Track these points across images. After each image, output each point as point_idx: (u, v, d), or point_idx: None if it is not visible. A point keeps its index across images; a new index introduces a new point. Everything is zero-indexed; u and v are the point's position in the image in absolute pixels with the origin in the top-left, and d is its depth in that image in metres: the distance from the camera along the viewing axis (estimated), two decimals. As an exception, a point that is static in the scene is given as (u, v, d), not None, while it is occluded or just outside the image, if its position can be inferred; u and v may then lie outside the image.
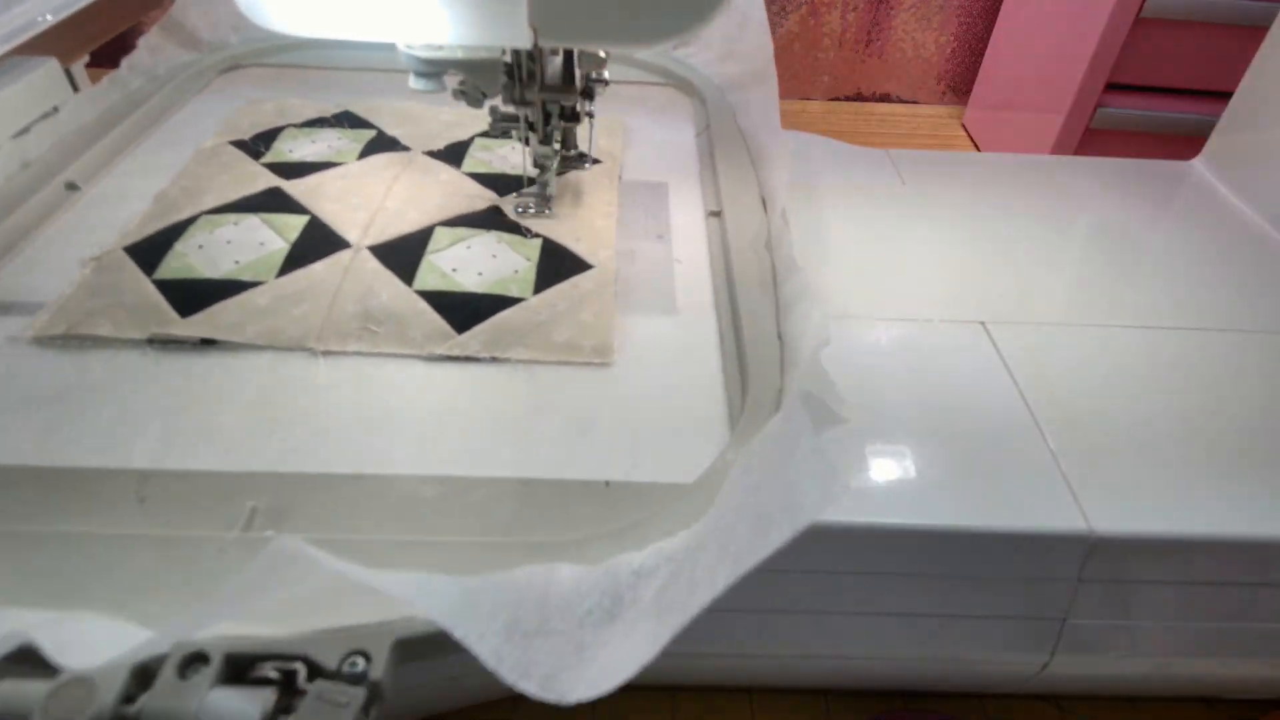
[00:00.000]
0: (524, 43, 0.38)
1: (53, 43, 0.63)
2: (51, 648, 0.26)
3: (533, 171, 0.56)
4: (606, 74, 0.50)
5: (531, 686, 0.26)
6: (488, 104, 0.51)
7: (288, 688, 0.27)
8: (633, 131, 0.69)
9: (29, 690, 0.25)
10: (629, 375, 0.44)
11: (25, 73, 0.60)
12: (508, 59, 0.47)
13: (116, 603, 0.31)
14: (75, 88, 0.65)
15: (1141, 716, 0.48)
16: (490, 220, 0.54)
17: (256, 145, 0.61)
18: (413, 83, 0.45)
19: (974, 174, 0.68)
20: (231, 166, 0.58)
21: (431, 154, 0.62)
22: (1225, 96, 0.68)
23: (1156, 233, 0.61)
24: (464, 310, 0.46)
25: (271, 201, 0.54)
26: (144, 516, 0.35)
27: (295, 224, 0.52)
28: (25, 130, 0.58)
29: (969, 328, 0.50)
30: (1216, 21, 0.92)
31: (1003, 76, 1.20)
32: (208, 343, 0.43)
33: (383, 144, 0.63)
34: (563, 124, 0.52)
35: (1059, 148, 1.03)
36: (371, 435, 0.39)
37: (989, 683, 0.47)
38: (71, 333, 0.43)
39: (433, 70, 0.45)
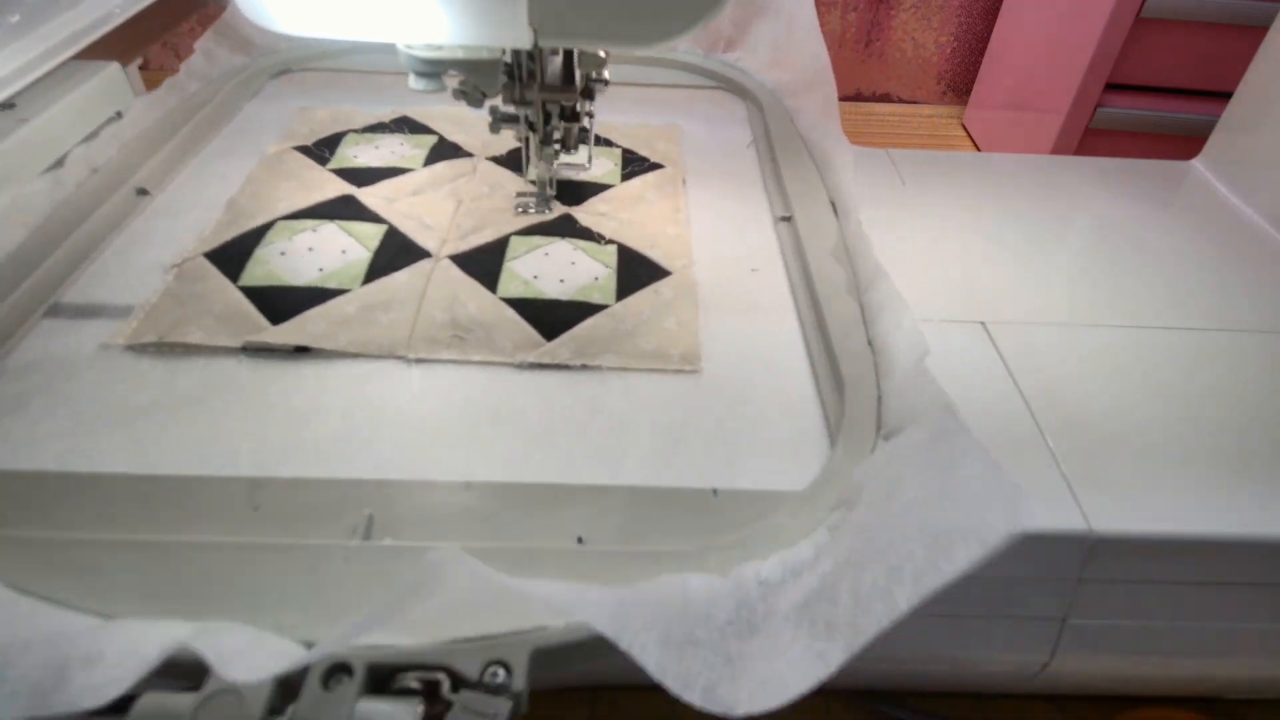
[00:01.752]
0: (524, 43, 0.37)
1: (107, 46, 0.63)
2: (213, 656, 0.25)
3: (532, 174, 0.56)
4: (607, 74, 0.50)
5: (695, 698, 0.26)
6: (488, 104, 0.51)
7: (431, 698, 0.27)
8: (687, 135, 0.69)
9: (178, 702, 0.25)
10: (718, 382, 0.44)
11: (89, 77, 0.61)
12: (508, 59, 0.47)
13: (249, 611, 0.30)
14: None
15: (1141, 716, 0.48)
16: (563, 228, 0.55)
17: (321, 151, 0.62)
18: (412, 83, 0.45)
19: (974, 174, 0.68)
20: (299, 173, 0.59)
21: (495, 160, 0.62)
22: (1225, 96, 0.68)
23: (1156, 233, 0.61)
24: (550, 317, 0.46)
25: (346, 209, 0.55)
26: (261, 525, 0.34)
27: (373, 233, 0.53)
28: (93, 135, 0.59)
29: (969, 328, 0.50)
30: (1216, 21, 0.92)
31: (1003, 76, 1.20)
32: (301, 350, 0.44)
33: (445, 150, 0.63)
34: (563, 124, 0.52)
35: (1059, 148, 1.03)
36: (471, 442, 0.39)
37: (989, 683, 0.47)
38: (164, 341, 0.43)
39: (433, 70, 0.45)
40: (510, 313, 0.46)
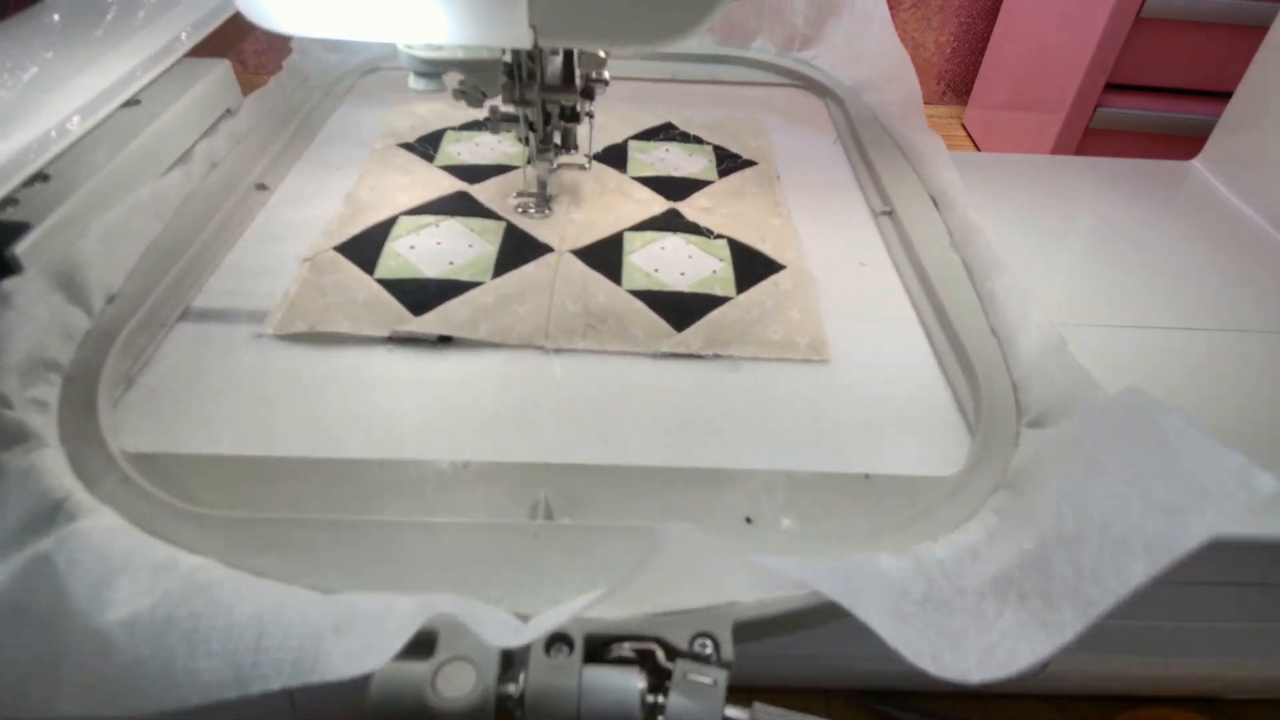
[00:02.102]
0: (524, 43, 0.37)
1: (207, 44, 0.65)
2: (474, 624, 0.26)
3: (534, 171, 0.56)
4: (607, 74, 0.50)
5: (928, 665, 0.27)
6: (488, 104, 0.51)
7: (647, 667, 0.28)
8: (770, 132, 0.70)
9: (414, 670, 0.26)
10: (846, 371, 0.45)
11: (204, 74, 0.63)
12: (508, 59, 0.47)
13: (456, 586, 0.31)
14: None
15: (1141, 716, 0.48)
16: (672, 223, 0.56)
17: (425, 148, 0.63)
18: (413, 82, 0.45)
19: (974, 174, 0.68)
20: (409, 169, 0.60)
21: (596, 158, 0.63)
22: (1225, 96, 0.68)
23: (1156, 233, 0.61)
24: (677, 309, 0.48)
25: (462, 205, 0.56)
26: (446, 505, 0.36)
27: (493, 228, 0.54)
28: (212, 130, 0.60)
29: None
30: (1216, 21, 0.92)
31: (1003, 76, 1.20)
32: (444, 340, 0.45)
33: None
34: (563, 124, 0.52)
35: (1059, 148, 1.03)
36: (622, 428, 0.41)
37: (989, 683, 0.47)
38: (313, 330, 0.44)
39: (433, 70, 0.45)
40: (638, 304, 0.48)
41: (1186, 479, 0.29)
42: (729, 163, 0.64)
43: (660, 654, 0.28)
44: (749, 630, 0.30)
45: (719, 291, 0.49)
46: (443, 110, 0.69)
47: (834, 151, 0.68)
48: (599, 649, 0.28)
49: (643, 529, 0.34)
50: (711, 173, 0.63)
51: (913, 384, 0.44)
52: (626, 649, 0.28)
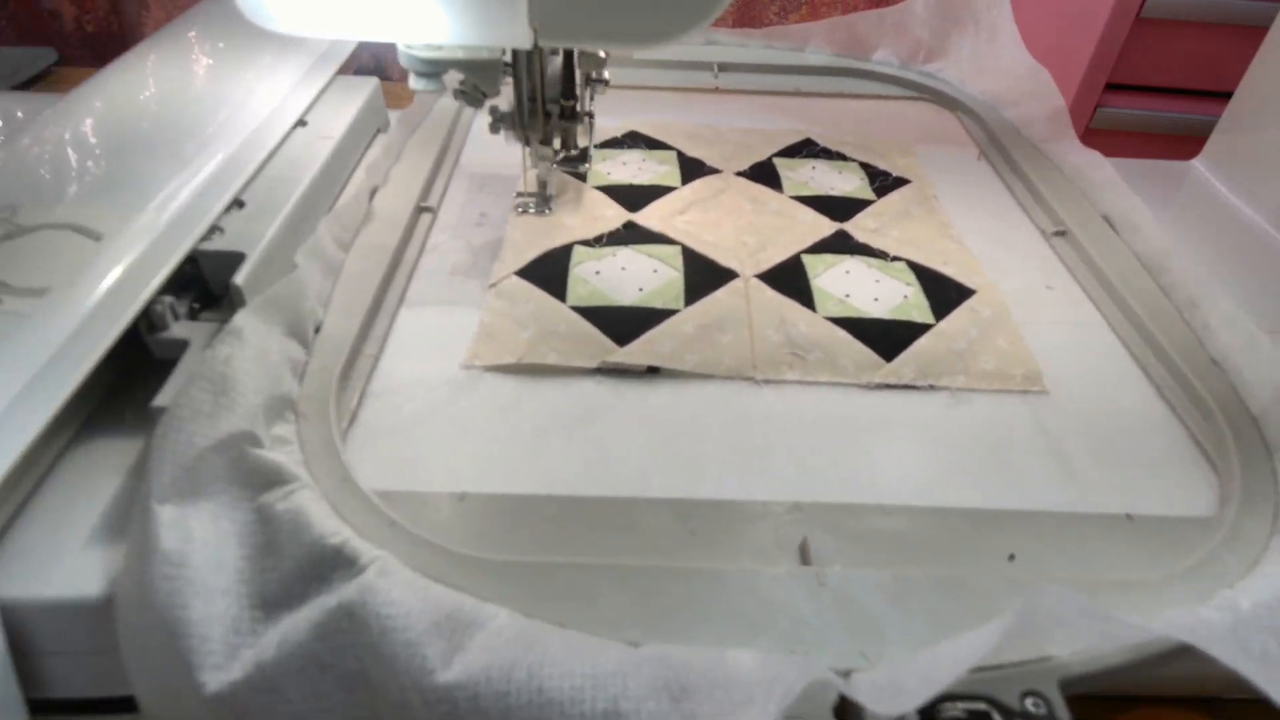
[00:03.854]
0: (524, 43, 0.37)
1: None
2: (863, 691, 0.26)
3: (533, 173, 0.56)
4: (607, 74, 0.50)
5: None
6: (488, 104, 0.51)
7: None
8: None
9: None
10: (1066, 403, 0.43)
11: (360, 92, 0.62)
12: (508, 59, 0.47)
13: (743, 637, 0.30)
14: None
15: (1142, 716, 0.48)
16: (844, 245, 0.55)
17: (576, 166, 0.60)
18: (413, 82, 0.45)
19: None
20: (563, 187, 0.58)
21: (741, 175, 0.63)
22: (1225, 96, 0.68)
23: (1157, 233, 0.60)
24: (883, 338, 0.46)
25: (632, 233, 0.55)
26: (700, 549, 0.34)
27: (671, 253, 0.53)
28: (368, 147, 0.61)
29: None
30: (1216, 21, 0.92)
31: (1003, 76, 1.20)
32: (652, 370, 0.44)
33: (692, 165, 0.63)
34: (563, 124, 0.52)
35: (1059, 148, 1.03)
36: (855, 464, 0.39)
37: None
38: (521, 361, 0.44)
39: (433, 70, 0.45)
40: (841, 333, 0.46)
41: None
42: (881, 180, 0.63)
43: (996, 715, 0.27)
44: (1075, 685, 0.29)
45: (917, 318, 0.48)
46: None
47: (980, 168, 0.67)
48: (931, 709, 0.27)
49: (960, 576, 0.33)
50: (867, 191, 0.61)
51: (1137, 417, 0.43)
52: (960, 709, 0.27)
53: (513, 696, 0.26)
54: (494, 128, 0.52)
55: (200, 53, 0.59)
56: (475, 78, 0.47)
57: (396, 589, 0.29)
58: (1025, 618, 0.25)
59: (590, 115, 0.53)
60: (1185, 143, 0.76)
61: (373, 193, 0.55)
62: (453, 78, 0.47)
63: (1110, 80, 0.97)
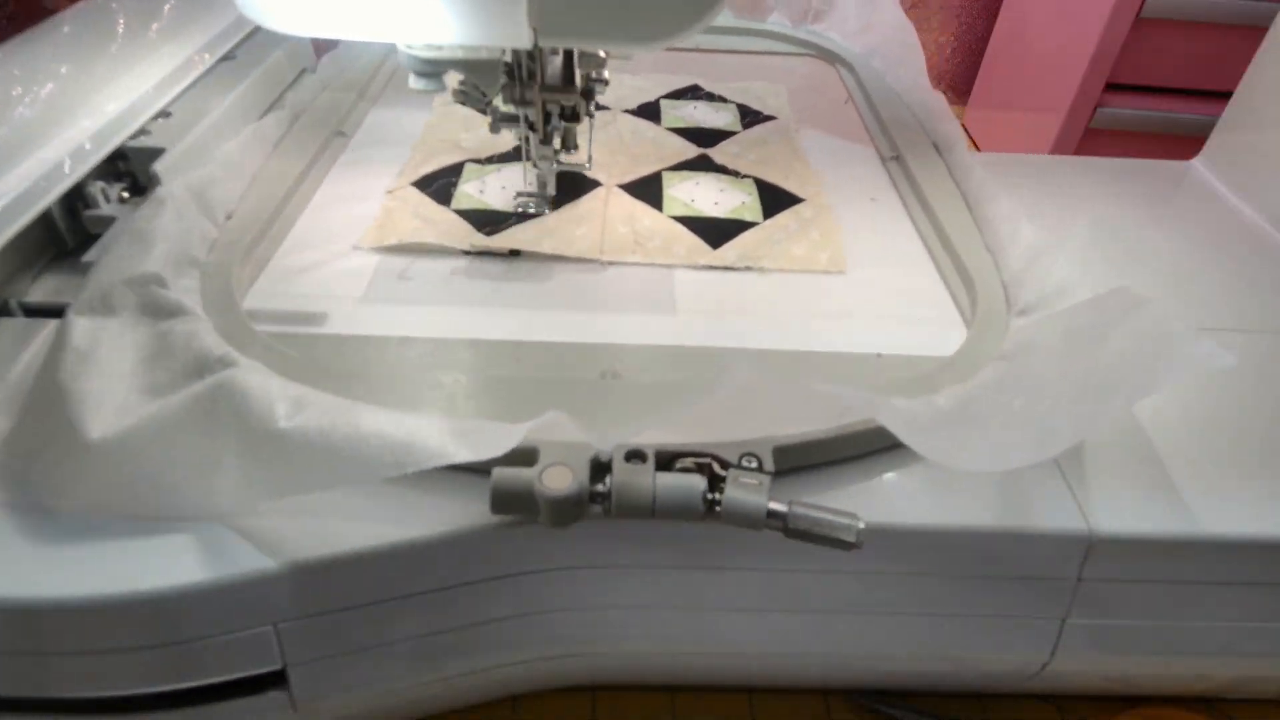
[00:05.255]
0: (524, 43, 0.38)
1: None
2: (580, 431, 0.34)
3: (534, 173, 0.56)
4: (607, 74, 0.50)
5: (945, 460, 0.35)
6: (488, 104, 0.51)
7: (705, 474, 0.34)
8: (789, 94, 0.77)
9: (523, 473, 0.33)
10: (860, 281, 0.52)
11: (284, 39, 0.68)
12: (508, 59, 0.47)
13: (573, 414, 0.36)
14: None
15: (1141, 716, 0.48)
16: (704, 165, 0.64)
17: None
18: (413, 82, 0.45)
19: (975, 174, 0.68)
20: (471, 123, 0.67)
21: (629, 112, 0.72)
22: (1225, 96, 0.68)
23: (1156, 233, 0.61)
24: (713, 231, 0.55)
25: (516, 152, 0.62)
26: (536, 368, 0.44)
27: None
28: (296, 83, 0.70)
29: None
30: (1216, 21, 0.92)
31: (1003, 76, 1.20)
32: (514, 253, 0.53)
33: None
34: (563, 124, 0.52)
35: (1059, 148, 1.03)
36: (664, 321, 0.48)
37: (988, 682, 0.47)
38: (403, 242, 0.52)
39: (433, 70, 0.45)
40: (680, 228, 0.56)
41: (1162, 348, 0.37)
42: (752, 118, 0.72)
43: (716, 465, 0.35)
44: (788, 455, 0.37)
45: (748, 218, 0.57)
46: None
47: (846, 110, 0.76)
48: (667, 462, 0.35)
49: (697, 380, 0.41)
50: (736, 125, 0.70)
51: (916, 291, 0.52)
52: (689, 463, 0.35)
53: (331, 434, 0.33)
54: (494, 128, 0.52)
55: (60, 45, 0.62)
56: (475, 78, 0.47)
57: (258, 375, 0.36)
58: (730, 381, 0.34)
59: (591, 115, 0.53)
60: (1185, 143, 0.77)
61: (297, 118, 0.64)
62: (453, 78, 0.47)
63: (1110, 80, 0.97)
